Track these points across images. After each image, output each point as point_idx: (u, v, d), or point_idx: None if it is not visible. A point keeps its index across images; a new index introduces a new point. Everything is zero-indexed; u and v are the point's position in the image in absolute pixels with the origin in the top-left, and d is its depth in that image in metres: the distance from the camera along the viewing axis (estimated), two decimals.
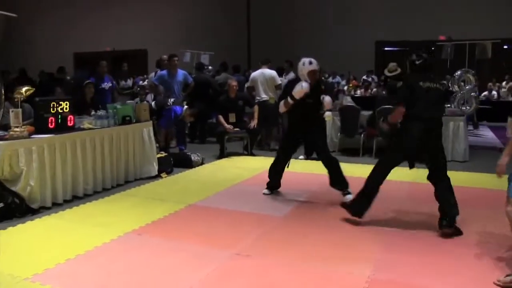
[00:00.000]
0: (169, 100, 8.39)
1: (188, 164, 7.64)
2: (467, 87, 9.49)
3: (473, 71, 9.60)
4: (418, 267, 3.70)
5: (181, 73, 8.80)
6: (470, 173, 7.14)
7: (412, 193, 5.96)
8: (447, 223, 4.34)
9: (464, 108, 9.37)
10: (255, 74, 9.55)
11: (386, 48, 15.18)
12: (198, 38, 15.71)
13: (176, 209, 5.30)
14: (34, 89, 5.89)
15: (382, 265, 3.72)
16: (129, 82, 11.76)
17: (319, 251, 4.02)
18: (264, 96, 9.24)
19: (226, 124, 8.56)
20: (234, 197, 5.82)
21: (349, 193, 5.52)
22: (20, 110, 5.40)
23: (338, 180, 5.66)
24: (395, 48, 14.94)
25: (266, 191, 5.96)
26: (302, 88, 5.38)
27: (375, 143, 8.39)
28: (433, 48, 12.61)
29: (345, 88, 13.15)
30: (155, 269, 3.69)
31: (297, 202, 5.59)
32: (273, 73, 9.41)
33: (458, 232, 4.36)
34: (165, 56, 10.06)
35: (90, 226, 4.76)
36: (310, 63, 5.53)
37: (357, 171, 6.55)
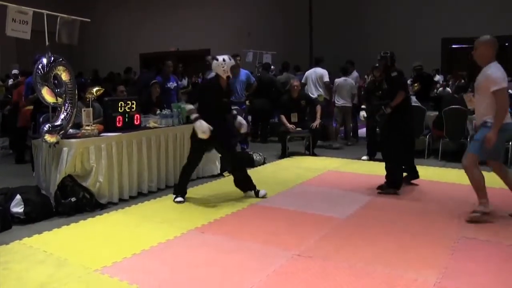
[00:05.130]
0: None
1: (250, 163, 7.70)
2: None
3: None
4: (487, 277, 3.53)
5: (243, 73, 8.89)
6: None
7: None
8: None
9: None
10: (308, 72, 9.99)
11: (454, 46, 14.64)
12: (260, 38, 15.78)
13: (238, 208, 5.35)
14: (104, 89, 6.14)
15: (448, 273, 3.58)
16: (184, 81, 12.03)
17: (383, 255, 3.94)
18: (313, 94, 9.57)
19: (288, 124, 8.57)
20: (296, 198, 5.80)
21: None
22: (91, 109, 5.65)
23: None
24: (464, 45, 14.36)
25: (179, 199, 5.65)
26: None
27: (441, 145, 8.12)
28: (506, 44, 12.02)
29: (410, 87, 12.81)
30: (217, 267, 3.74)
31: (359, 203, 5.48)
32: (323, 71, 9.65)
33: None
34: (209, 57, 10.34)
35: (155, 222, 4.90)
36: (230, 59, 5.54)
37: (421, 173, 6.37)
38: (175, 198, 5.64)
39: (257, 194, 5.76)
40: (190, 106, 5.46)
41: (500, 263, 3.80)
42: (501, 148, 4.74)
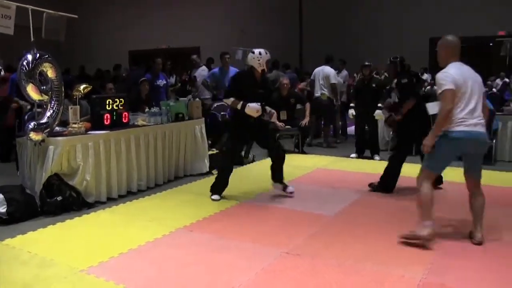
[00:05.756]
0: (214, 104, 8.51)
1: (239, 161, 7.67)
2: None
3: None
4: (472, 273, 3.56)
5: (233, 71, 8.84)
6: None
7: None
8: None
9: None
10: (316, 70, 9.85)
11: None
12: (252, 36, 15.73)
13: (227, 206, 5.33)
14: (91, 86, 6.07)
15: (434, 269, 3.60)
16: (172, 79, 11.97)
17: (371, 252, 3.94)
18: (317, 93, 9.53)
19: (277, 122, 8.53)
20: (285, 196, 5.77)
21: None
22: (78, 107, 5.59)
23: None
24: None
25: (215, 197, 5.63)
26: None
27: None
28: (491, 44, 12.13)
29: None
30: (205, 266, 3.71)
31: (348, 201, 5.49)
32: (330, 72, 9.52)
33: None
34: (194, 56, 10.39)
35: (143, 221, 4.85)
36: (266, 53, 5.54)
37: (408, 171, 6.36)
38: (211, 195, 5.66)
39: (284, 189, 5.76)
40: (231, 99, 5.47)
41: (484, 259, 3.83)
42: (444, 160, 4.13)
